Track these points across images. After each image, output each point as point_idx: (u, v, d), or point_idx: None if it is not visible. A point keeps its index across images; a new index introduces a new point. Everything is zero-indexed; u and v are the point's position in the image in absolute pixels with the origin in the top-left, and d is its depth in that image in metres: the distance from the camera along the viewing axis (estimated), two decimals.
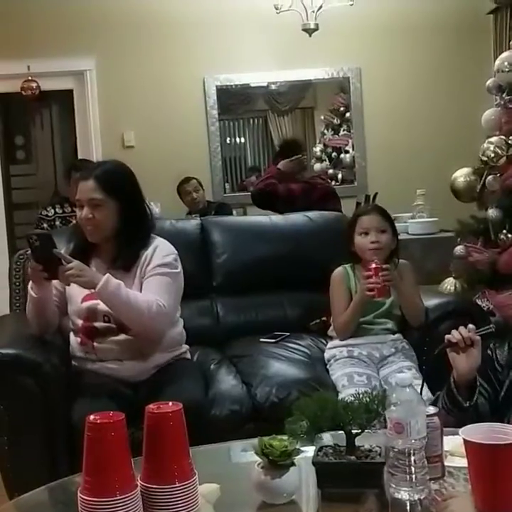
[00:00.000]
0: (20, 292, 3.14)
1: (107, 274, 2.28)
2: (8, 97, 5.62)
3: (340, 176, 5.81)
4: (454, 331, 1.95)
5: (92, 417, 1.36)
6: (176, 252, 2.47)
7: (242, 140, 5.95)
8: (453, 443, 1.62)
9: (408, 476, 1.45)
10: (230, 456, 1.97)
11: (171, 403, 1.44)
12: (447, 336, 1.96)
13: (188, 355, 2.61)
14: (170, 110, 5.42)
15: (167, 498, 1.40)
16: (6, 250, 5.47)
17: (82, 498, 1.36)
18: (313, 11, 4.83)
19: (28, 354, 2.34)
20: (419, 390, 2.29)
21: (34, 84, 5.30)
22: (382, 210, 2.77)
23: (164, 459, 1.40)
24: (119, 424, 1.36)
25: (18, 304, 3.17)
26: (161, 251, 2.42)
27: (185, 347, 2.60)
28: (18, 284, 3.16)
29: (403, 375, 1.49)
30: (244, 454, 1.80)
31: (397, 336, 2.69)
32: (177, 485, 1.40)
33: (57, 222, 4.26)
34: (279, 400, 2.52)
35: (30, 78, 5.28)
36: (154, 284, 2.36)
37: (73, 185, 4.41)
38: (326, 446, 1.59)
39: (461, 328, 1.94)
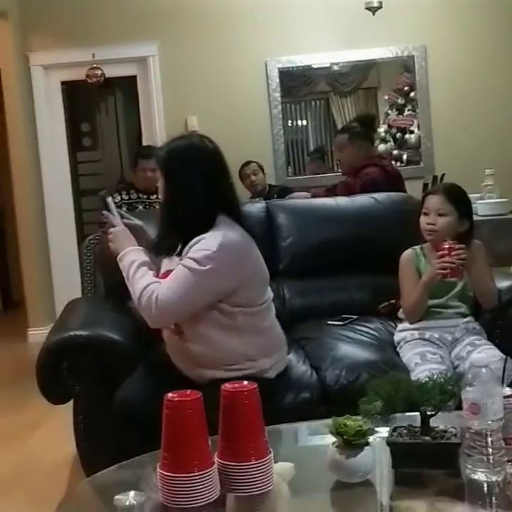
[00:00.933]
0: (91, 276, 3.22)
1: (130, 248, 2.22)
2: (74, 85, 5.73)
3: (405, 156, 5.72)
4: None
5: (170, 395, 1.40)
6: (216, 249, 2.11)
7: (304, 123, 5.92)
8: None
9: (485, 457, 1.45)
10: (304, 436, 1.98)
11: (245, 382, 1.46)
12: None
13: (271, 374, 2.28)
14: (232, 94, 5.44)
15: (243, 475, 1.43)
16: (74, 236, 5.61)
17: (162, 474, 1.39)
18: None
19: (100, 335, 2.40)
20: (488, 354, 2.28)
21: (99, 72, 5.39)
22: (450, 191, 2.70)
23: (240, 436, 1.43)
24: (196, 401, 1.40)
25: (89, 288, 3.26)
26: (202, 244, 2.13)
27: (266, 363, 2.27)
28: (89, 268, 3.24)
29: (479, 355, 1.48)
30: (318, 434, 1.82)
31: (468, 318, 2.65)
32: (253, 462, 1.43)
33: (124, 209, 4.33)
34: (349, 383, 2.50)
35: (95, 66, 5.37)
36: (172, 274, 2.14)
37: (140, 172, 4.53)
38: (401, 427, 1.58)
39: None
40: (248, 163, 5.15)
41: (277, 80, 5.55)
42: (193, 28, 5.38)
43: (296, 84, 5.75)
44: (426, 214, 2.66)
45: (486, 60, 5.33)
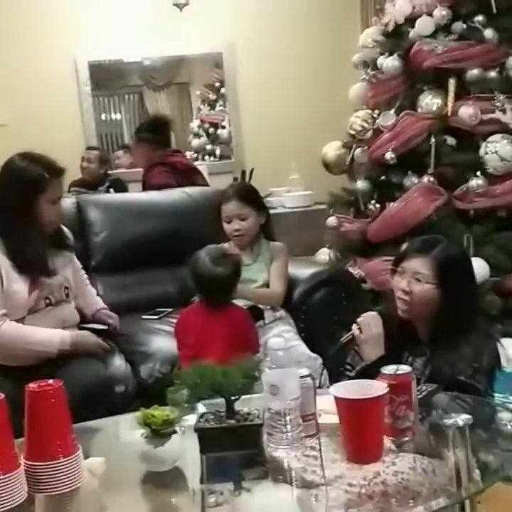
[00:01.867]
0: None
1: None
2: None
3: (218, 151, 5.84)
4: (355, 325, 2.08)
5: None
6: None
7: (119, 116, 5.87)
8: (328, 401, 1.72)
9: (284, 435, 1.54)
10: (116, 430, 2.00)
11: (51, 381, 1.45)
12: (353, 328, 2.07)
13: None
14: (42, 88, 5.22)
15: (51, 474, 1.42)
16: None
17: None
18: None
19: None
20: (296, 350, 2.43)
21: None
22: (241, 194, 2.80)
23: (46, 435, 1.41)
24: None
25: None
26: None
27: None
28: None
29: (276, 339, 1.57)
30: (129, 427, 1.84)
31: None
32: (61, 460, 1.42)
33: None
34: (163, 375, 2.56)
35: None
36: None
37: None
38: (207, 413, 1.65)
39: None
40: (89, 148, 5.11)
41: (87, 74, 5.44)
42: None
43: (109, 77, 5.67)
44: (229, 221, 2.78)
45: (290, 58, 5.55)
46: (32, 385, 1.43)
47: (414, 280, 2.01)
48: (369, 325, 2.05)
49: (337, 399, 1.50)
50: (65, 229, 2.58)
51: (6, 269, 2.31)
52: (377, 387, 1.51)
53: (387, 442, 1.55)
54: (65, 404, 1.43)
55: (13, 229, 2.33)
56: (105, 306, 2.75)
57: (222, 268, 2.39)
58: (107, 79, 5.64)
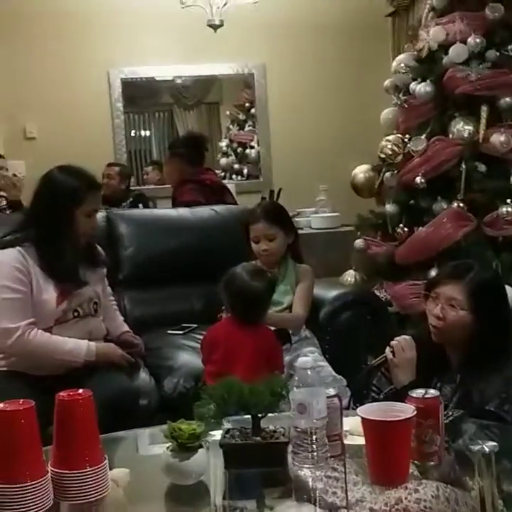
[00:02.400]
0: None
1: None
2: None
3: (245, 171, 5.89)
4: (388, 348, 2.07)
5: (1, 404, 1.37)
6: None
7: (148, 133, 5.94)
8: (353, 423, 1.71)
9: (310, 454, 1.54)
10: (140, 442, 2.01)
11: (81, 390, 1.46)
12: (386, 351, 2.07)
13: None
14: (74, 102, 5.34)
15: (77, 482, 1.43)
16: None
17: None
18: (219, 7, 4.88)
19: None
20: (322, 371, 2.43)
21: None
22: (270, 214, 2.81)
23: (74, 444, 1.43)
24: (28, 411, 1.38)
25: None
26: None
27: None
28: None
29: (304, 358, 1.57)
30: (154, 439, 1.85)
31: None
32: (87, 470, 1.43)
33: None
34: (187, 390, 2.57)
35: None
36: None
37: None
38: (233, 429, 1.65)
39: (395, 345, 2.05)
40: (109, 164, 5.14)
41: (120, 90, 5.53)
42: (33, 32, 5.23)
43: (140, 95, 5.76)
44: (257, 242, 2.79)
45: (321, 80, 5.60)
46: (62, 394, 1.45)
47: (448, 306, 2.00)
48: (402, 349, 2.04)
49: (364, 420, 1.49)
50: (98, 247, 2.62)
51: (36, 278, 2.34)
52: (404, 410, 1.51)
53: (411, 468, 1.54)
54: (93, 414, 1.45)
55: (47, 239, 2.37)
56: (129, 329, 2.77)
57: (260, 283, 2.40)
58: (138, 96, 5.74)
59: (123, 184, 5.11)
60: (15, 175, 4.15)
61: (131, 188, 5.24)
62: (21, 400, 1.40)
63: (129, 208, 4.83)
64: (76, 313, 2.42)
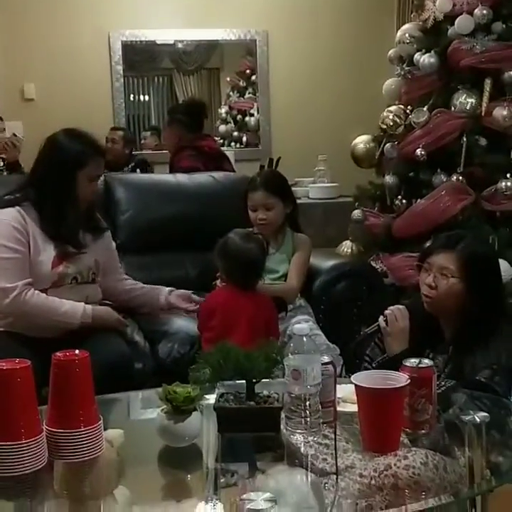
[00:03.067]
0: None
1: None
2: None
3: (244, 138, 5.85)
4: (381, 317, 2.09)
5: None
6: None
7: (147, 98, 5.89)
8: (345, 391, 1.73)
9: (303, 420, 1.55)
10: (134, 404, 2.02)
11: (77, 351, 1.47)
12: (379, 320, 2.09)
13: None
14: (73, 64, 5.28)
15: (71, 441, 1.44)
16: None
17: None
18: None
19: None
20: (316, 340, 2.44)
21: None
22: (269, 184, 2.80)
23: (70, 404, 1.44)
24: (24, 370, 1.39)
25: None
26: None
27: None
28: None
29: (300, 325, 1.57)
30: (148, 402, 1.86)
31: None
32: (82, 429, 1.45)
33: None
34: (181, 355, 2.58)
35: None
36: None
37: None
38: (228, 393, 1.66)
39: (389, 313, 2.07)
40: (113, 128, 5.13)
41: (120, 53, 5.46)
42: None
43: (140, 59, 5.69)
44: (254, 210, 2.78)
45: (324, 49, 5.54)
46: (58, 354, 1.46)
47: (439, 275, 2.02)
48: (396, 318, 2.06)
49: (358, 387, 1.50)
50: (98, 216, 2.62)
51: (34, 239, 2.34)
52: (398, 379, 1.52)
53: (402, 436, 1.56)
54: (89, 375, 1.46)
55: (48, 200, 2.37)
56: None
57: (253, 245, 2.45)
58: (138, 60, 5.67)
59: (126, 149, 5.09)
60: (14, 134, 4.13)
61: (134, 153, 5.22)
62: (18, 359, 1.41)
63: (131, 172, 4.82)
64: (74, 281, 2.43)
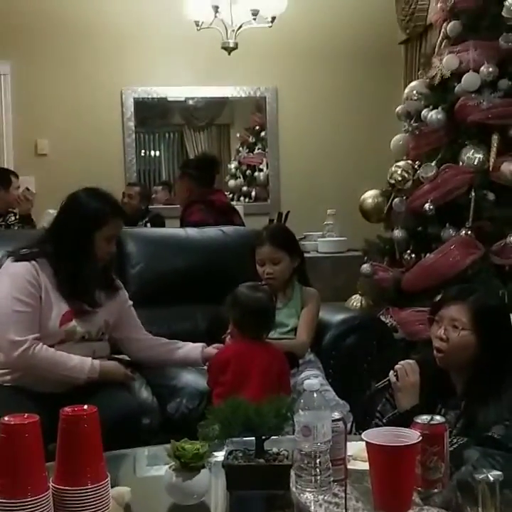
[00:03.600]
0: None
1: None
2: None
3: (253, 193, 5.91)
4: (392, 372, 2.06)
5: (6, 418, 1.37)
6: None
7: (158, 153, 5.98)
8: (356, 448, 1.70)
9: (313, 478, 1.52)
10: (142, 461, 1.99)
11: (86, 406, 1.46)
12: (390, 375, 2.06)
13: None
14: (86, 120, 5.39)
15: (78, 499, 1.42)
16: None
17: None
18: (233, 30, 4.93)
19: None
20: (326, 396, 2.42)
21: None
22: (275, 238, 2.82)
23: (77, 460, 1.42)
24: (32, 425, 1.38)
25: None
26: None
27: None
28: None
29: (310, 381, 1.56)
30: (157, 458, 1.83)
31: None
32: (89, 487, 1.42)
33: None
34: (189, 411, 2.55)
35: None
36: None
37: None
38: (236, 450, 1.64)
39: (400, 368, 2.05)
40: (130, 184, 5.24)
41: (132, 110, 5.57)
42: (49, 49, 5.30)
43: (151, 115, 5.81)
44: (262, 264, 2.80)
45: (332, 105, 5.64)
46: (67, 409, 1.45)
47: (451, 327, 2.00)
48: (406, 373, 2.04)
49: (369, 444, 1.48)
50: (113, 274, 2.62)
51: (46, 293, 2.34)
52: (410, 436, 1.50)
53: (413, 495, 1.52)
54: (98, 430, 1.44)
55: (65, 257, 2.38)
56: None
57: (262, 294, 2.48)
58: (149, 116, 5.78)
59: (142, 204, 5.16)
60: (28, 189, 4.19)
61: (150, 208, 5.29)
62: (26, 414, 1.40)
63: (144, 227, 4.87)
64: (81, 339, 2.43)
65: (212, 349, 2.60)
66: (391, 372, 2.06)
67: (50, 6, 5.26)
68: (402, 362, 2.08)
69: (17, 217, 4.17)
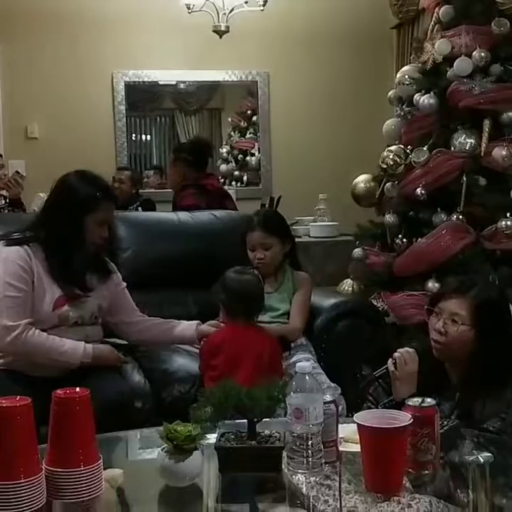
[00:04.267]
0: None
1: None
2: None
3: (245, 178, 5.89)
4: (390, 360, 2.06)
5: None
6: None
7: (149, 137, 5.95)
8: (347, 430, 1.71)
9: (305, 460, 1.54)
10: (135, 443, 2.00)
11: (78, 389, 1.46)
12: (388, 363, 2.06)
13: None
14: (77, 103, 5.35)
15: (71, 481, 1.42)
16: None
17: None
18: (225, 14, 4.90)
19: None
20: (318, 378, 2.43)
21: None
22: (266, 224, 2.83)
23: (70, 442, 1.43)
24: (24, 407, 1.38)
25: None
26: None
27: None
28: None
29: (303, 363, 1.57)
30: (148, 441, 1.84)
31: None
32: (81, 469, 1.43)
33: None
34: (181, 394, 2.56)
35: None
36: None
37: None
38: (228, 432, 1.65)
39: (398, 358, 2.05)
40: (120, 168, 5.19)
41: (123, 93, 5.53)
42: (38, 32, 5.24)
43: (142, 98, 5.77)
44: (253, 250, 2.80)
45: (325, 90, 5.62)
46: (59, 392, 1.45)
47: (450, 321, 2.00)
48: (405, 361, 2.04)
49: (361, 426, 1.49)
50: (107, 260, 2.61)
51: (39, 279, 2.34)
52: (401, 418, 1.51)
53: (405, 480, 1.53)
54: (90, 413, 1.45)
55: (56, 241, 2.37)
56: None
57: (250, 276, 2.54)
58: (140, 100, 5.74)
59: (133, 188, 5.14)
60: (18, 172, 4.16)
61: (140, 192, 5.27)
62: (18, 397, 1.40)
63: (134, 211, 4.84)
64: (74, 324, 2.43)
65: (206, 327, 2.60)
66: (390, 360, 2.06)
67: None
68: (400, 350, 2.08)
69: (7, 200, 4.14)
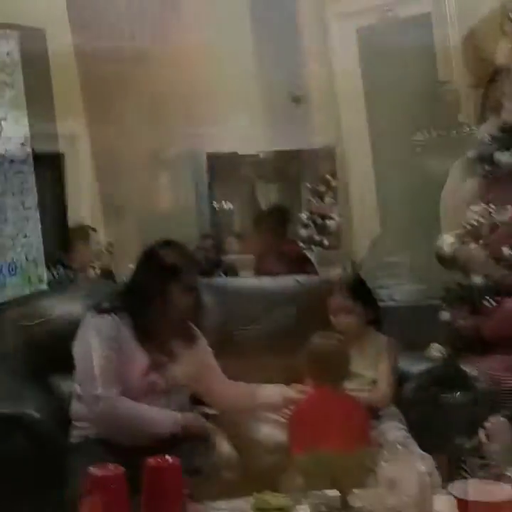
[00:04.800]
0: None
1: None
2: None
3: (325, 242, 5.90)
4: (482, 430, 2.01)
5: (93, 469, 1.39)
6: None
7: (230, 206, 6.08)
8: (440, 502, 1.64)
9: None
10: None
11: (169, 457, 1.46)
12: (480, 434, 2.01)
13: None
14: (160, 174, 5.52)
15: None
16: None
17: None
18: (301, 82, 5.01)
19: None
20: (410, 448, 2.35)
21: None
22: (349, 289, 2.83)
23: (162, 510, 1.42)
24: (118, 477, 1.39)
25: None
26: None
27: None
28: None
29: (395, 433, 1.53)
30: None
31: None
32: None
33: None
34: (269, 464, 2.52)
35: None
36: None
37: None
38: (319, 503, 1.60)
39: None
40: (203, 236, 5.31)
41: (206, 164, 5.69)
42: (124, 108, 5.45)
43: (223, 168, 5.92)
44: (335, 315, 2.80)
45: (402, 151, 5.60)
46: (151, 460, 1.46)
47: None
48: (497, 432, 1.96)
49: (459, 500, 1.43)
50: (193, 326, 2.64)
51: (127, 346, 2.38)
52: (502, 491, 1.43)
53: None
54: (181, 481, 1.44)
55: (142, 309, 2.43)
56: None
57: (330, 341, 2.53)
58: (221, 170, 5.89)
59: (217, 256, 5.23)
60: (110, 243, 4.31)
61: (223, 258, 5.36)
62: (111, 466, 1.42)
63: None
64: (162, 391, 2.45)
65: (292, 392, 2.58)
66: (481, 431, 1.99)
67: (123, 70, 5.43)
68: (492, 420, 2.00)
69: (97, 271, 4.27)
